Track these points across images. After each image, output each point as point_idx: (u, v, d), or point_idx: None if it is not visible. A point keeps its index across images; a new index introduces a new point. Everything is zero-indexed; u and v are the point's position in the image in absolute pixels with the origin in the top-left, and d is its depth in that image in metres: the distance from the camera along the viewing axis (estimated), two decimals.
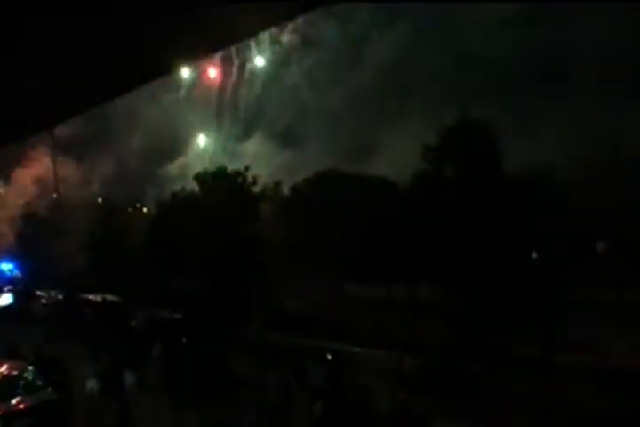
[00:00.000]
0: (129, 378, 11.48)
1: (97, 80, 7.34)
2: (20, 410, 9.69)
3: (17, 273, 33.86)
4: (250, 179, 25.26)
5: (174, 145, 43.11)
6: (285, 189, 28.43)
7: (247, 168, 25.44)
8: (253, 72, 42.22)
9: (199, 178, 26.32)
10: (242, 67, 42.38)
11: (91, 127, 42.22)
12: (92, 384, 11.17)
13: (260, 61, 41.86)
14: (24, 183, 41.15)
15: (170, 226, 26.57)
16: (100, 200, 39.93)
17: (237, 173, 25.36)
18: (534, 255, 18.12)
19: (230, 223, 24.32)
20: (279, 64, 41.03)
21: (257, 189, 25.58)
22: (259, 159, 34.95)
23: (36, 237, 36.16)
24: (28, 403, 9.83)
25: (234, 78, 42.70)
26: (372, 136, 32.70)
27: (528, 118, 26.68)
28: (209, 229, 23.97)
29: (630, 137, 23.18)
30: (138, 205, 40.10)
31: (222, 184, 25.51)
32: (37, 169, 39.89)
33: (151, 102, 42.12)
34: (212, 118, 44.01)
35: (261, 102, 41.57)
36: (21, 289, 28.07)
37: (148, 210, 37.66)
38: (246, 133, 41.70)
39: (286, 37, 39.95)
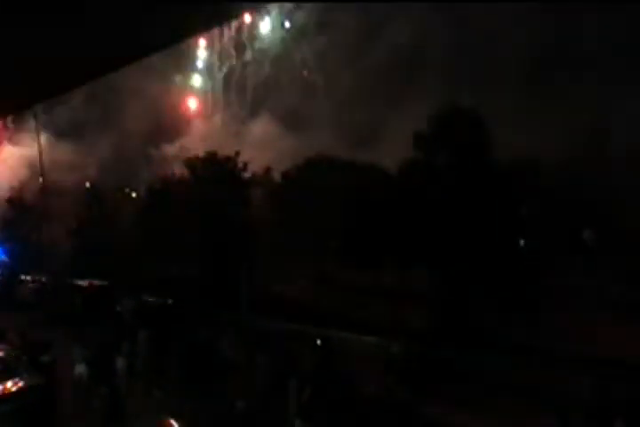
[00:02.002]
0: (120, 363, 11.43)
1: (94, 52, 7.18)
2: (5, 395, 9.60)
3: (3, 258, 33.46)
4: (241, 164, 25.06)
5: (176, 126, 42.09)
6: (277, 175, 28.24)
7: (238, 153, 25.19)
8: (263, 51, 41.13)
9: (189, 163, 26.04)
10: (251, 45, 41.41)
11: (91, 109, 41.36)
12: (80, 370, 11.11)
13: (269, 40, 40.77)
14: (11, 165, 40.36)
15: (158, 211, 26.36)
16: (87, 184, 39.43)
17: (228, 159, 25.12)
18: (522, 243, 18.23)
19: (219, 209, 24.15)
20: (290, 44, 39.89)
21: (248, 174, 25.42)
22: (263, 142, 34.25)
23: (22, 221, 35.70)
24: (12, 388, 9.73)
25: (243, 57, 41.63)
26: (379, 121, 32.12)
27: (519, 108, 26.70)
28: (197, 214, 23.81)
29: (618, 126, 23.33)
30: (127, 190, 39.61)
31: (212, 169, 25.27)
32: (27, 151, 38.96)
33: (157, 82, 41.02)
34: (219, 98, 42.94)
35: (269, 83, 40.36)
36: (8, 274, 27.74)
37: (138, 194, 37.25)
38: (252, 114, 40.45)
39: (299, 18, 38.89)
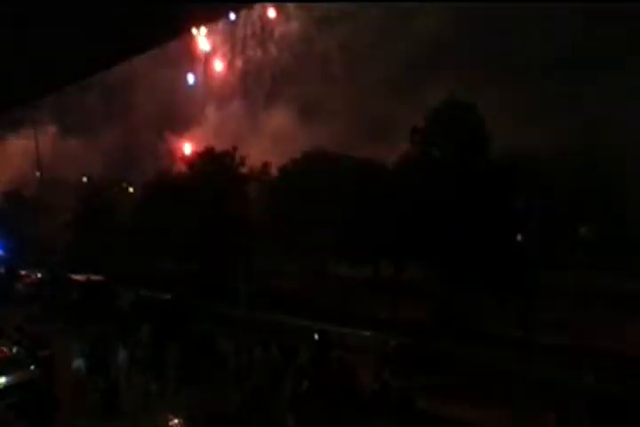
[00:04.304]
0: (121, 357, 11.50)
1: (95, 46, 7.18)
2: (4, 389, 9.63)
3: (0, 253, 33.39)
4: (239, 159, 25.02)
5: (189, 118, 41.35)
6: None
7: (235, 148, 25.14)
8: (284, 39, 40.07)
9: (187, 157, 26.04)
10: (271, 34, 40.37)
11: (102, 102, 40.82)
12: (78, 363, 11.16)
13: (290, 30, 39.70)
14: (10, 158, 40.15)
15: (155, 206, 26.33)
16: (84, 179, 39.30)
17: (225, 153, 25.08)
18: (519, 238, 18.31)
19: (216, 204, 24.15)
20: (312, 33, 38.75)
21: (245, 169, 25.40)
22: (275, 134, 33.66)
23: (18, 215, 35.61)
24: (11, 382, 9.76)
25: (261, 47, 40.69)
26: (396, 113, 31.53)
27: (517, 103, 26.69)
28: (194, 209, 23.79)
29: (615, 123, 23.37)
30: (124, 185, 39.47)
31: (210, 164, 25.23)
32: (30, 144, 38.73)
33: (171, 74, 40.26)
34: (236, 89, 42.06)
35: (288, 73, 39.02)
36: (5, 269, 27.71)
37: (135, 189, 37.13)
38: (269, 106, 39.05)
39: (321, 7, 37.62)
